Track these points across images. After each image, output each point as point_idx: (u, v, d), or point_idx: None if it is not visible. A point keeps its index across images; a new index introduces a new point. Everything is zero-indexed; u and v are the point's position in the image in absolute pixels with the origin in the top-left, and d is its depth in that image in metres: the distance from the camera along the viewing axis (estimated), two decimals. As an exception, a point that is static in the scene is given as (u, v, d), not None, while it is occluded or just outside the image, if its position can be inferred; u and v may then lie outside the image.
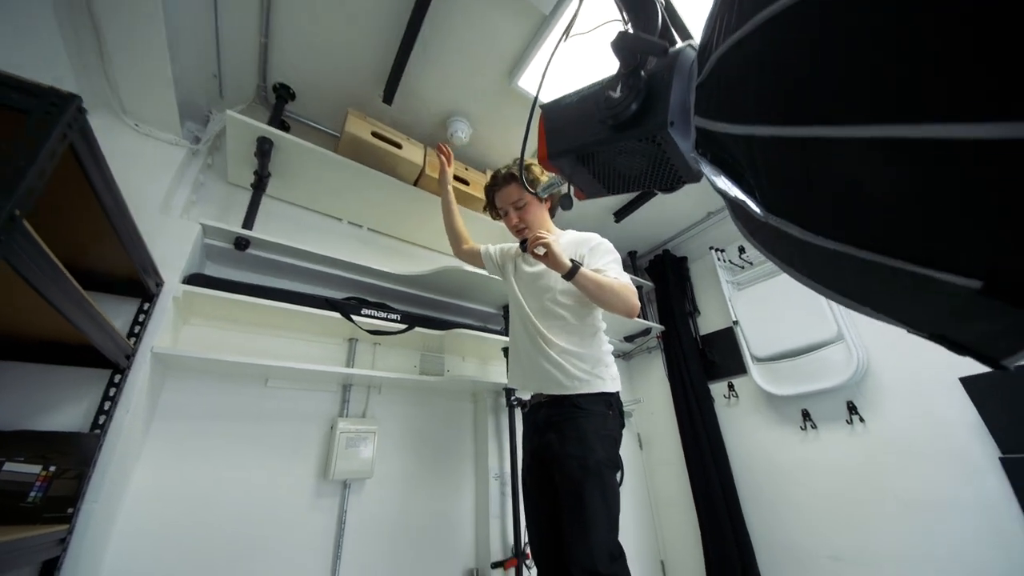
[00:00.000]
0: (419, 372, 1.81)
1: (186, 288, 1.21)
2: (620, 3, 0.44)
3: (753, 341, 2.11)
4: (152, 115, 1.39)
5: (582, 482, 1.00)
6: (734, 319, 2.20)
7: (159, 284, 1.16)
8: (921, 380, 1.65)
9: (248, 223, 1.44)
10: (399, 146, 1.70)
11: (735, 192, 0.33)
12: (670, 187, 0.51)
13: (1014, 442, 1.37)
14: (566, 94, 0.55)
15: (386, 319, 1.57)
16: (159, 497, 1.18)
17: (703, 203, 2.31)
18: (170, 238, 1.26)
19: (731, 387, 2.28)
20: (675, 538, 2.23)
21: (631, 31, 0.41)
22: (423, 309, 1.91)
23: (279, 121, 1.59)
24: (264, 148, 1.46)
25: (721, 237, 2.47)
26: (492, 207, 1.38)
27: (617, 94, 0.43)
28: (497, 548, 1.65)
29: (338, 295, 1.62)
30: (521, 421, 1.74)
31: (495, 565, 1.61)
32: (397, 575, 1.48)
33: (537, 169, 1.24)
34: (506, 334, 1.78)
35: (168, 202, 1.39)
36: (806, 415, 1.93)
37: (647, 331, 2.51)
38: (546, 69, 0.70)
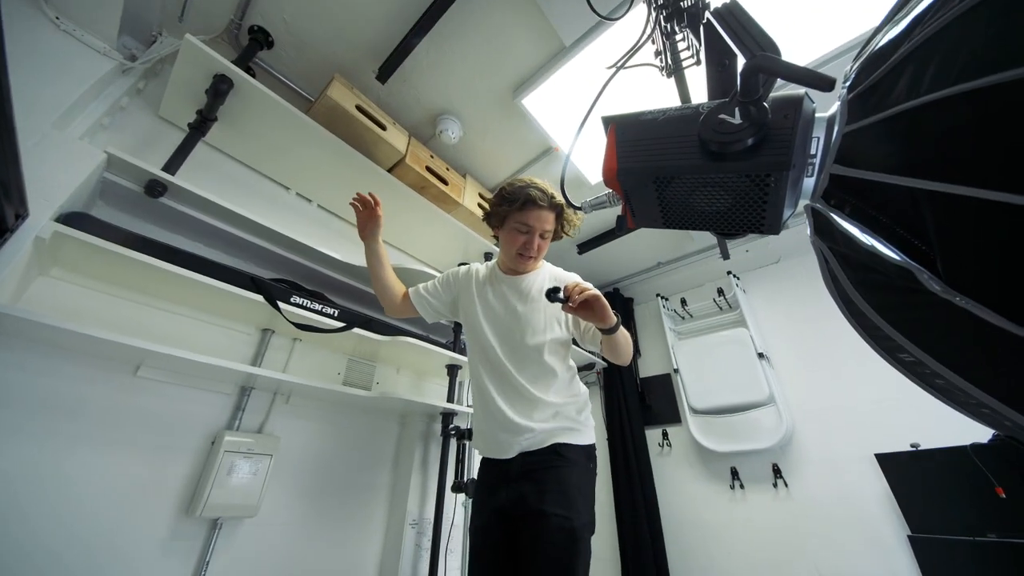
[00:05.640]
0: (343, 381, 1.51)
1: (59, 228, 0.91)
2: (740, 33, 0.40)
3: (691, 391, 2.18)
4: (82, 13, 1.11)
5: (568, 551, 0.83)
6: (675, 367, 2.29)
7: (20, 216, 0.84)
8: (839, 452, 1.79)
9: (172, 167, 1.17)
10: (383, 127, 1.54)
11: (893, 256, 0.28)
12: (737, 232, 0.47)
13: (922, 521, 1.49)
14: (642, 111, 0.50)
15: (320, 312, 1.31)
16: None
17: (656, 251, 2.43)
18: (57, 161, 0.96)
19: (665, 435, 2.32)
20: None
21: (774, 57, 0.37)
22: (363, 307, 1.62)
23: (246, 66, 1.36)
24: (220, 88, 1.22)
25: (668, 286, 2.62)
26: (508, 220, 1.05)
27: (736, 120, 0.38)
28: (405, 615, 1.38)
29: (265, 274, 1.34)
30: (454, 454, 1.55)
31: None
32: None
33: (570, 212, 1.07)
34: (454, 349, 1.64)
35: (70, 117, 1.08)
36: (735, 473, 2.00)
37: (590, 365, 2.50)
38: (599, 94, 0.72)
